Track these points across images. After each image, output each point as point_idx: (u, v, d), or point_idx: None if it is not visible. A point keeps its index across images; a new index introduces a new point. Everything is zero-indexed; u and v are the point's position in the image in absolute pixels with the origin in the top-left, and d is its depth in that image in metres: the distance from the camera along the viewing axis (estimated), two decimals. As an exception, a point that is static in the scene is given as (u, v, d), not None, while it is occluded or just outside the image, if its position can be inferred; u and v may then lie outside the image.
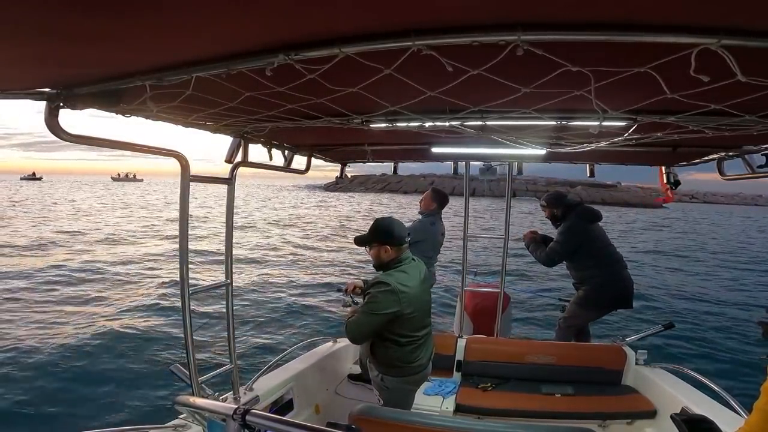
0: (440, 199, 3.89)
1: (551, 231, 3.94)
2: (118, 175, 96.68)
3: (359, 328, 2.15)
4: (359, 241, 2.32)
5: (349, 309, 2.40)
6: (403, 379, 2.27)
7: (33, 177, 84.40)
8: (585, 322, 3.88)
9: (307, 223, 22.58)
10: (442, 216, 3.99)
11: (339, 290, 2.73)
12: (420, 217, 3.92)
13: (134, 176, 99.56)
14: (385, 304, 2.08)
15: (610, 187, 66.66)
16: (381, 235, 2.22)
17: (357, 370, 3.35)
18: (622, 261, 3.78)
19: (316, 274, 11.17)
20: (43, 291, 8.34)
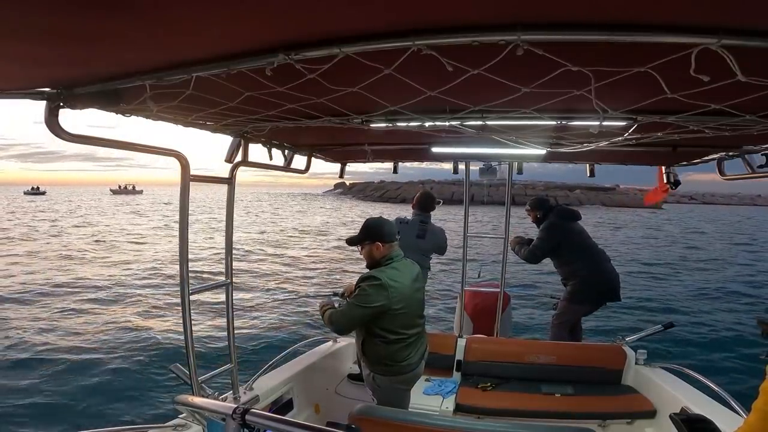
0: (421, 200, 3.78)
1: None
2: (119, 187, 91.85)
3: (345, 318, 2.17)
4: (351, 241, 2.34)
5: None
6: (393, 378, 2.27)
7: (36, 191, 79.58)
8: (577, 317, 3.96)
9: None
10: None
11: (335, 294, 2.69)
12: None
13: (134, 187, 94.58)
14: (374, 297, 2.10)
15: (608, 190, 66.82)
16: (371, 233, 2.25)
17: (357, 370, 3.35)
18: (604, 255, 3.91)
19: (317, 273, 11.18)
20: (41, 290, 8.35)
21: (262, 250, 14.88)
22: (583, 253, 3.81)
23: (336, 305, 2.37)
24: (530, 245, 3.94)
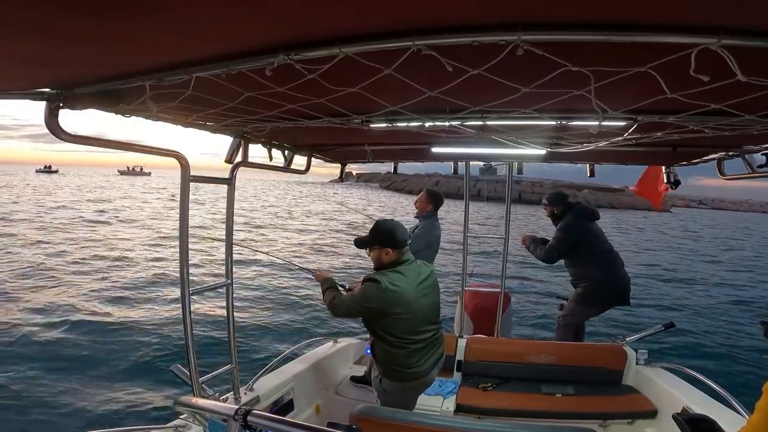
0: (435, 200, 3.74)
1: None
2: (127, 168, 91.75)
3: (342, 307, 2.24)
4: (360, 243, 2.29)
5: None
6: (400, 384, 2.24)
7: (49, 170, 79.14)
8: (584, 319, 3.93)
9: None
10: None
11: (342, 287, 2.66)
12: (417, 221, 3.73)
13: (141, 169, 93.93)
14: (369, 297, 2.10)
15: (617, 191, 66.40)
16: (382, 237, 2.20)
17: (358, 371, 3.35)
18: (619, 259, 3.85)
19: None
20: (40, 289, 8.34)
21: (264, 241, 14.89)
22: (599, 255, 3.73)
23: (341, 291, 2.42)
24: (546, 245, 3.87)
